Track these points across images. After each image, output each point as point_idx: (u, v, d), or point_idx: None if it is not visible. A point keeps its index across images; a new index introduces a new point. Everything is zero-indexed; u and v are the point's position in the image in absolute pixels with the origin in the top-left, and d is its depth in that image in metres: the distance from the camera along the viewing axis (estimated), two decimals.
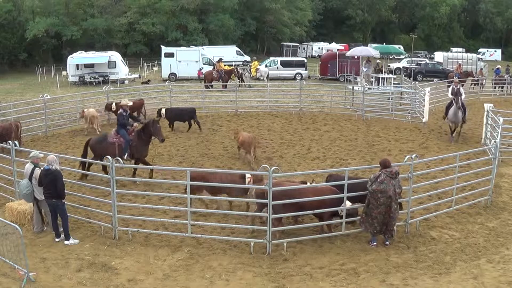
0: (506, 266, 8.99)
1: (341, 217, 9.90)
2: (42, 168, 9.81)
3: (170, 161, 15.55)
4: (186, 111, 20.16)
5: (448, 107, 18.37)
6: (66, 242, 9.70)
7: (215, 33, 63.25)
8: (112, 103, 20.20)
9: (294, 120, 21.87)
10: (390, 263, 9.05)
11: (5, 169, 12.23)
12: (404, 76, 31.78)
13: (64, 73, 41.53)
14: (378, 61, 31.02)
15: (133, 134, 13.72)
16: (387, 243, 9.73)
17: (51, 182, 9.50)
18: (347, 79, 33.31)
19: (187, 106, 21.51)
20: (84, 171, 12.94)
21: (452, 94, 18.25)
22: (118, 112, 14.15)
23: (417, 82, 27.77)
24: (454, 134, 18.22)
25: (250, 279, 8.50)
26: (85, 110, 19.64)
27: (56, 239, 9.83)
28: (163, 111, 19.93)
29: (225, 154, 16.43)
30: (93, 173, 12.38)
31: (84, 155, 13.67)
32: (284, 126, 20.54)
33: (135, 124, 14.06)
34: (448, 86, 28.96)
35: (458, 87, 18.42)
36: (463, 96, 18.27)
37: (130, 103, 14.95)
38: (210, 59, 39.82)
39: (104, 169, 13.40)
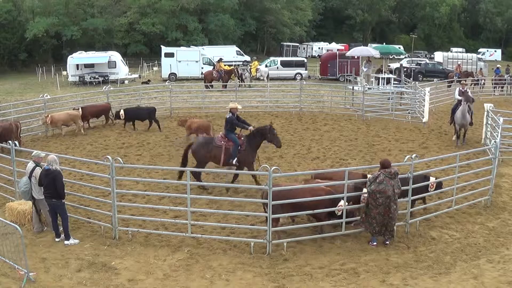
0: (506, 266, 8.99)
1: (338, 217, 9.89)
2: (42, 168, 9.82)
3: (170, 161, 15.53)
4: (145, 110, 20.17)
5: (454, 110, 17.94)
6: (66, 242, 9.70)
7: (215, 33, 63.25)
8: (78, 108, 19.61)
9: (294, 120, 21.87)
10: (390, 263, 9.05)
11: (5, 169, 12.23)
12: (404, 76, 31.77)
13: (64, 73, 41.52)
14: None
15: (242, 139, 13.04)
16: (387, 242, 9.74)
17: (51, 182, 9.50)
18: (347, 79, 33.30)
19: (146, 106, 21.43)
20: (181, 181, 11.77)
21: (459, 95, 18.02)
22: (228, 116, 13.21)
23: (417, 82, 27.77)
24: (460, 138, 17.72)
25: (250, 279, 8.50)
26: (50, 115, 18.51)
27: (56, 239, 9.83)
28: (122, 112, 19.69)
29: None
30: (93, 173, 12.35)
31: (184, 161, 12.86)
32: (284, 126, 20.53)
33: (251, 127, 13.18)
34: (448, 86, 29.11)
35: (465, 88, 18.30)
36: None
37: (240, 106, 14.08)
38: (210, 59, 39.84)
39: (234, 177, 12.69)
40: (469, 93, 18.19)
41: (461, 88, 18.33)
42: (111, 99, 22.42)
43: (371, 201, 9.55)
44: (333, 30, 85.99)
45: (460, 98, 17.95)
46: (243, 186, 12.45)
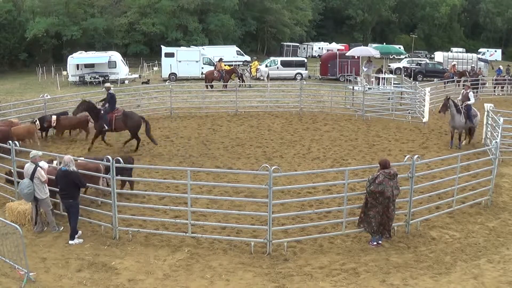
0: (506, 266, 8.99)
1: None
2: (59, 169, 9.89)
3: (170, 161, 15.53)
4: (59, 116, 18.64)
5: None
6: (70, 241, 9.70)
7: (215, 33, 63.25)
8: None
9: (294, 120, 21.87)
10: (390, 263, 9.05)
11: (5, 169, 12.22)
12: (404, 76, 31.77)
13: (64, 73, 41.53)
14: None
15: None
16: (380, 242, 9.71)
17: (69, 184, 9.60)
18: (347, 79, 33.30)
19: (60, 112, 19.38)
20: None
21: (461, 98, 17.80)
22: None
23: (417, 82, 27.77)
24: (455, 140, 17.55)
25: (250, 279, 8.50)
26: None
27: (70, 242, 9.79)
28: (37, 122, 17.88)
29: (225, 154, 16.42)
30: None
31: None
32: (284, 126, 20.53)
33: None
34: (444, 87, 29.06)
35: (468, 91, 18.09)
36: (471, 101, 17.51)
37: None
38: (210, 59, 39.86)
39: None
40: (471, 100, 17.72)
41: (464, 91, 18.11)
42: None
43: (371, 201, 9.56)
44: (333, 30, 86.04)
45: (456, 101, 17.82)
46: (244, 186, 12.45)
